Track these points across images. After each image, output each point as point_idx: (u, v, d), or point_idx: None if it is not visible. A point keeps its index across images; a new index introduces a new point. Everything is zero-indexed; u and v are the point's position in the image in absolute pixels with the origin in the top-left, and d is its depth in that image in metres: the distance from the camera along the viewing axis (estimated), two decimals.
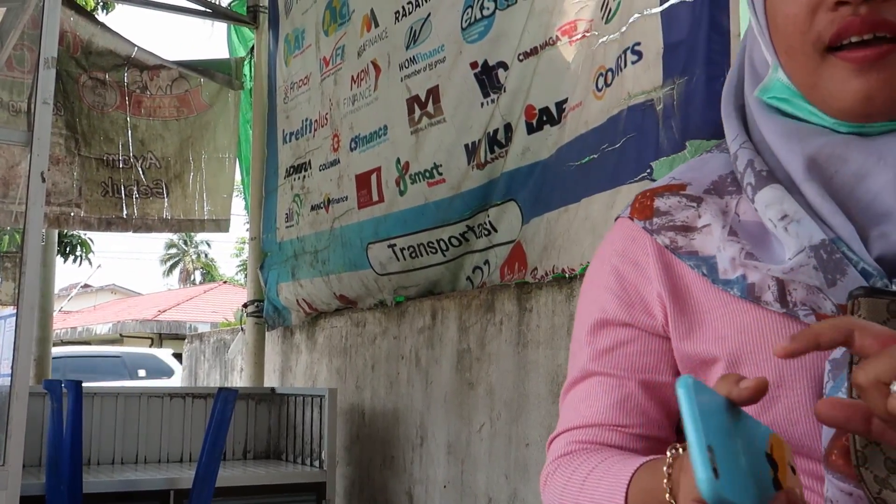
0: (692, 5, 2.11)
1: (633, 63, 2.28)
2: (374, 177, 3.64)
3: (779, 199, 0.81)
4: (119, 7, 8.71)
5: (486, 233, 3.09)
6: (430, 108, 3.29)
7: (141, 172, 4.77)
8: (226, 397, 3.24)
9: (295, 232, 4.32)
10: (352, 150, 3.80)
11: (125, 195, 4.72)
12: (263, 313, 4.67)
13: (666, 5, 2.19)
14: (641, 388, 0.90)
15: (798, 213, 0.80)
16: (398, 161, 3.47)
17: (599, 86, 2.46)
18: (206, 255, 42.80)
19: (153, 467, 3.58)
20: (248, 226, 5.00)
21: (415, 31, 3.39)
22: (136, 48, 4.74)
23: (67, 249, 12.86)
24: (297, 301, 4.30)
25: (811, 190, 0.81)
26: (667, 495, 0.70)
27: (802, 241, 0.78)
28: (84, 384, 3.20)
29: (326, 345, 4.21)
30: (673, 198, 0.91)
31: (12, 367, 2.59)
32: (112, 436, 3.64)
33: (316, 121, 4.16)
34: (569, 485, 0.88)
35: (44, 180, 2.66)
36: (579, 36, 2.63)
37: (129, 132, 4.75)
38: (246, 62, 5.02)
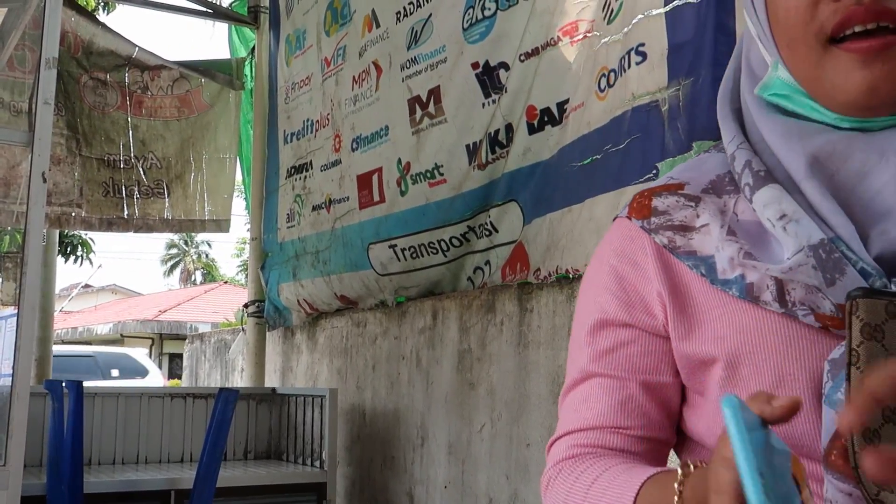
0: (697, 6, 2.11)
1: (638, 64, 2.27)
2: (375, 177, 3.64)
3: (777, 199, 0.81)
4: (120, 7, 8.72)
5: (487, 233, 3.09)
6: (431, 108, 3.29)
7: (142, 173, 4.77)
8: (227, 397, 3.24)
9: (296, 232, 4.32)
10: (353, 150, 3.80)
11: (126, 195, 4.72)
12: (264, 313, 4.67)
13: (670, 6, 2.19)
14: (642, 389, 0.90)
15: (797, 213, 0.79)
16: (399, 161, 3.47)
17: (602, 86, 2.46)
18: (206, 256, 42.81)
19: (154, 467, 3.58)
20: (248, 226, 5.00)
21: (416, 31, 3.39)
22: (137, 48, 4.74)
23: (68, 249, 12.86)
24: (298, 301, 4.30)
25: (812, 188, 0.80)
26: None
27: (801, 241, 0.78)
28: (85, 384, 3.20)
29: (327, 345, 4.21)
30: (671, 197, 0.91)
31: (13, 368, 2.59)
32: (113, 436, 3.64)
33: (317, 121, 4.16)
34: (572, 492, 0.87)
35: (45, 180, 2.66)
36: (580, 36, 2.63)
37: (130, 132, 4.75)
38: (247, 62, 5.02)
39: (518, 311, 2.88)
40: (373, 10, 3.68)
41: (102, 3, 7.77)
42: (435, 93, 3.26)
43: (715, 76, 2.02)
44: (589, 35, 2.58)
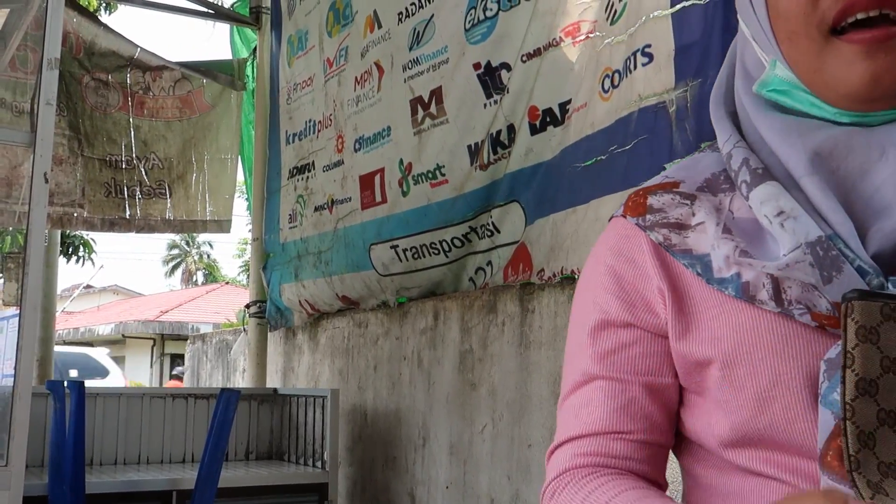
0: (704, 7, 2.10)
1: (644, 65, 2.27)
2: (377, 178, 3.64)
3: (775, 196, 0.81)
4: (122, 8, 8.72)
5: (489, 234, 3.09)
6: (432, 108, 3.29)
7: (144, 173, 4.77)
8: (228, 398, 3.24)
9: (298, 233, 4.32)
10: (356, 151, 3.80)
11: (128, 196, 4.72)
12: (266, 314, 4.67)
13: (677, 7, 2.18)
14: (645, 391, 0.89)
15: (795, 210, 0.79)
16: (401, 162, 3.47)
17: (606, 87, 2.46)
18: (208, 256, 42.82)
19: (155, 468, 3.58)
20: (250, 226, 5.00)
21: (418, 32, 3.39)
22: (138, 49, 4.74)
23: (70, 250, 12.87)
24: (300, 302, 4.30)
25: (812, 185, 0.80)
26: None
27: (798, 238, 0.78)
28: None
29: (329, 345, 4.21)
30: (666, 195, 0.90)
31: (15, 368, 2.59)
32: (114, 436, 3.64)
33: (319, 122, 4.16)
34: None
35: (47, 181, 2.66)
36: (583, 37, 2.63)
37: (132, 133, 4.76)
38: (248, 63, 5.02)
39: (519, 312, 2.88)
40: (374, 11, 3.69)
41: (104, 4, 7.78)
42: (436, 93, 3.26)
43: None
44: (591, 36, 2.58)
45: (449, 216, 3.22)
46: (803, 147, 0.81)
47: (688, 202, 0.88)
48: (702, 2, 2.12)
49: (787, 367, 0.79)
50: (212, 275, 40.60)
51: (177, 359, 21.99)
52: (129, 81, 4.73)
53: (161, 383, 21.75)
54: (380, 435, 3.72)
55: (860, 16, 0.76)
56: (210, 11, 5.03)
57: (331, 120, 4.04)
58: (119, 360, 26.41)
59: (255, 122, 4.82)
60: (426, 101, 3.32)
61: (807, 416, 0.78)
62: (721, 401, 0.83)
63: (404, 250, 3.46)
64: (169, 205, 4.84)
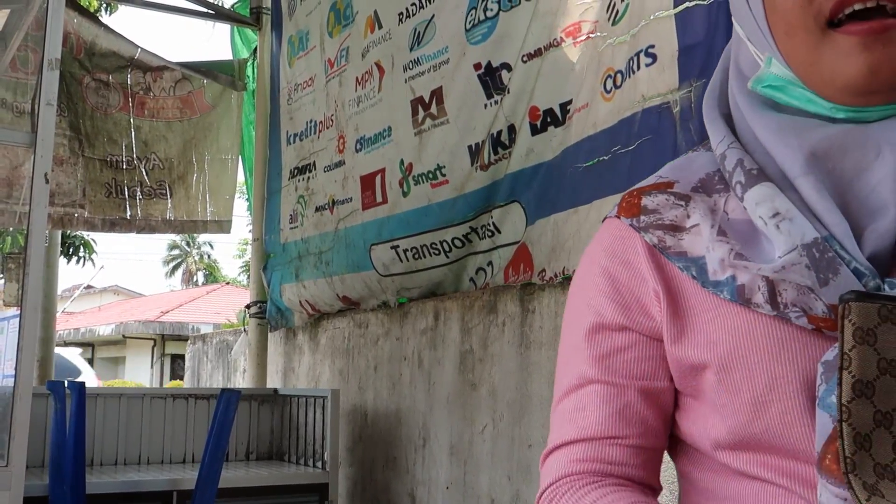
0: (708, 8, 2.10)
1: (648, 66, 2.27)
2: (378, 178, 3.64)
3: (770, 197, 0.80)
4: (122, 8, 8.73)
5: (490, 234, 3.09)
6: (433, 109, 3.29)
7: (144, 173, 4.77)
8: (228, 398, 3.24)
9: (299, 233, 4.32)
10: (357, 151, 3.81)
11: (129, 196, 4.73)
12: (266, 314, 4.67)
13: (680, 7, 2.18)
14: (640, 395, 0.88)
15: (790, 211, 0.78)
16: (402, 162, 3.48)
17: (608, 88, 2.46)
18: (208, 257, 42.83)
19: (156, 468, 3.58)
20: (250, 227, 5.00)
21: (419, 32, 3.39)
22: (139, 49, 4.74)
23: (70, 250, 12.88)
24: (300, 302, 4.30)
25: (808, 185, 0.79)
26: None
27: (794, 240, 0.77)
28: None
29: (329, 346, 4.21)
30: (660, 196, 0.89)
31: (16, 368, 2.59)
32: (115, 436, 3.64)
33: (321, 122, 4.16)
34: None
35: (47, 181, 2.66)
36: (584, 37, 2.63)
37: (133, 133, 4.76)
38: (249, 63, 5.02)
39: (520, 312, 2.88)
40: (375, 12, 3.69)
41: (105, 5, 7.78)
42: (437, 94, 3.26)
43: None
44: (592, 36, 2.58)
45: (449, 216, 3.22)
46: (799, 146, 0.80)
47: (682, 203, 0.87)
48: (705, 2, 2.12)
49: (783, 371, 0.78)
50: (212, 275, 40.61)
51: (177, 359, 22.00)
52: (129, 82, 4.73)
53: (161, 384, 21.76)
54: (380, 435, 3.72)
55: (857, 7, 0.75)
56: (210, 12, 5.04)
57: (332, 120, 4.04)
58: (119, 361, 26.46)
59: (256, 122, 4.82)
60: (427, 101, 3.32)
61: (803, 420, 0.77)
62: (717, 405, 0.83)
63: (405, 251, 3.46)
64: (169, 205, 4.84)
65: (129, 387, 12.40)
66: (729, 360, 0.81)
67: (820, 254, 0.76)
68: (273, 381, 4.71)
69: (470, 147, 3.12)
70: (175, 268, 42.52)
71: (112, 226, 4.72)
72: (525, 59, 2.87)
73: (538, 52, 2.82)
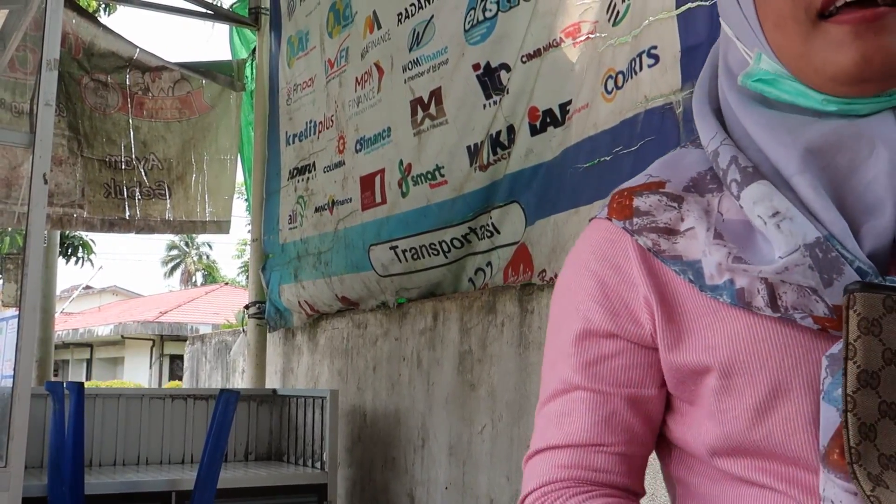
0: (710, 8, 2.10)
1: (650, 66, 2.27)
2: (377, 178, 3.64)
3: (768, 196, 0.78)
4: (121, 9, 8.72)
5: (489, 234, 3.09)
6: (432, 109, 3.29)
7: (143, 174, 4.77)
8: (227, 399, 3.24)
9: (298, 233, 4.32)
10: (357, 151, 3.81)
11: (127, 196, 4.73)
12: (265, 315, 4.67)
13: (683, 8, 2.18)
14: (627, 403, 0.87)
15: (790, 211, 0.77)
16: (401, 163, 3.48)
17: (609, 88, 2.46)
18: (207, 257, 42.83)
19: (155, 469, 3.58)
20: (249, 227, 5.00)
21: (418, 32, 3.39)
22: (137, 50, 4.74)
23: (69, 251, 12.87)
24: (299, 302, 4.30)
25: (803, 183, 0.78)
26: None
27: (797, 240, 0.76)
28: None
29: (328, 346, 4.21)
30: (653, 196, 0.87)
31: (14, 369, 2.59)
32: (114, 437, 3.64)
33: (321, 122, 4.16)
34: None
35: (46, 182, 2.66)
36: (583, 38, 2.63)
37: (132, 133, 4.76)
38: (248, 64, 5.02)
39: (519, 312, 2.88)
40: (374, 12, 3.69)
41: (103, 5, 7.78)
42: (436, 94, 3.26)
43: None
44: (592, 36, 2.58)
45: (448, 217, 3.22)
46: (793, 144, 0.79)
47: (675, 205, 0.86)
48: (707, 3, 2.12)
49: (786, 377, 0.77)
50: (211, 275, 40.61)
51: (176, 360, 22.00)
52: (128, 82, 4.73)
53: (160, 384, 21.75)
54: (379, 435, 3.72)
55: None
56: (209, 12, 5.04)
57: (332, 121, 4.04)
58: (118, 361, 26.45)
59: (255, 122, 4.82)
60: (426, 101, 3.32)
61: (807, 427, 0.76)
62: (716, 410, 0.81)
63: (404, 251, 3.46)
64: (168, 205, 4.84)
65: (127, 387, 12.39)
66: (729, 364, 0.79)
67: (823, 254, 0.75)
68: (272, 382, 4.71)
69: (469, 147, 3.12)
70: (174, 268, 42.52)
71: (111, 226, 4.71)
72: (524, 59, 2.87)
73: (537, 53, 2.82)
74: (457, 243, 3.22)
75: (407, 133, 3.42)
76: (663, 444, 0.91)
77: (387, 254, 3.55)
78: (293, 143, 4.44)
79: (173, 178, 4.85)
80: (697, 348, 0.82)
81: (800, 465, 0.77)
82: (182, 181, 4.87)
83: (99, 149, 4.67)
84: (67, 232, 10.30)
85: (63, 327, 23.58)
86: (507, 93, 2.94)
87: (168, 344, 23.38)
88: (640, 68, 2.31)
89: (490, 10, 3.01)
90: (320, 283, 4.06)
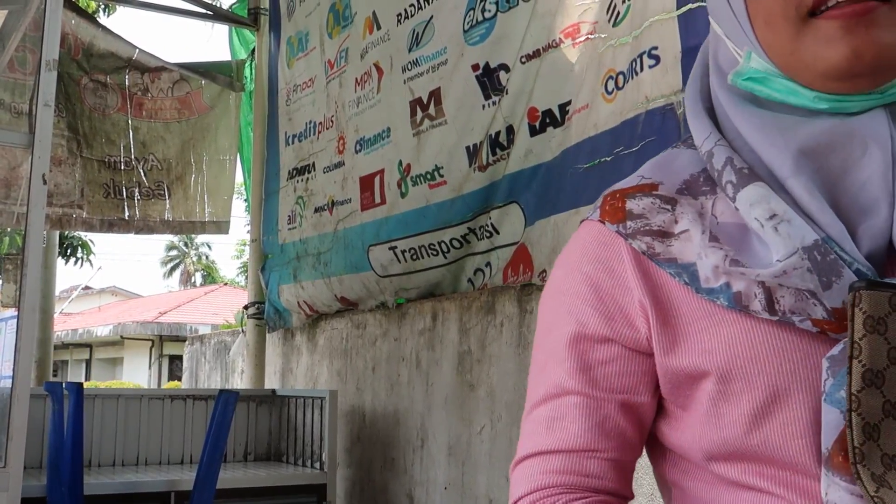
0: None
1: (651, 67, 2.28)
2: (377, 179, 3.64)
3: (765, 198, 0.77)
4: (120, 10, 8.72)
5: (488, 235, 3.09)
6: (431, 110, 3.29)
7: (142, 174, 4.77)
8: (227, 399, 3.24)
9: (297, 234, 4.32)
10: (356, 152, 3.81)
11: (127, 196, 4.73)
12: (264, 315, 4.67)
13: (683, 9, 2.19)
14: (620, 409, 0.86)
15: (788, 213, 0.76)
16: (400, 163, 3.48)
17: (609, 89, 2.46)
18: (206, 257, 42.82)
19: (154, 469, 3.58)
20: (249, 228, 5.00)
21: (417, 33, 3.39)
22: (137, 50, 4.74)
23: (68, 251, 12.86)
24: (298, 303, 4.30)
25: (798, 185, 0.77)
26: None
27: (795, 243, 0.75)
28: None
29: (327, 346, 4.21)
30: (646, 199, 0.86)
31: (13, 369, 2.59)
32: (113, 437, 3.64)
33: (320, 123, 4.16)
34: None
35: (45, 182, 2.66)
36: (583, 38, 2.63)
37: (131, 134, 4.76)
38: (247, 64, 5.02)
39: (518, 313, 2.88)
40: (373, 12, 3.69)
41: (103, 6, 7.78)
42: (435, 94, 3.27)
43: None
44: (592, 37, 2.58)
45: (447, 217, 3.22)
46: (786, 146, 0.79)
47: (669, 207, 0.84)
48: None
49: (785, 382, 0.76)
50: (210, 276, 40.60)
51: (175, 360, 21.98)
52: (127, 83, 4.73)
53: (159, 385, 21.74)
54: (378, 436, 3.72)
55: None
56: (208, 13, 5.04)
57: (332, 121, 4.05)
58: (117, 362, 26.44)
59: (254, 123, 4.82)
60: (425, 102, 3.33)
61: (806, 432, 0.75)
62: (714, 415, 0.80)
63: (403, 251, 3.46)
64: (168, 206, 4.84)
65: (126, 388, 12.38)
66: (727, 369, 0.79)
67: (822, 256, 0.74)
68: (271, 382, 4.71)
69: (468, 148, 3.12)
70: (173, 268, 42.51)
71: (110, 226, 4.71)
72: (523, 59, 2.87)
73: (537, 53, 2.82)
74: (456, 244, 3.22)
75: (406, 133, 3.42)
76: (656, 446, 0.91)
77: (386, 254, 3.55)
78: (292, 143, 4.44)
79: (172, 178, 4.85)
80: (694, 352, 0.81)
81: (798, 469, 0.76)
82: (181, 181, 4.87)
83: (98, 149, 4.67)
84: (67, 232, 10.29)
85: (62, 328, 23.56)
86: (507, 93, 2.94)
87: (167, 344, 23.37)
88: (641, 69, 2.31)
89: (489, 11, 3.01)
90: (319, 284, 4.06)
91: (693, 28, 2.16)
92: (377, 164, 3.63)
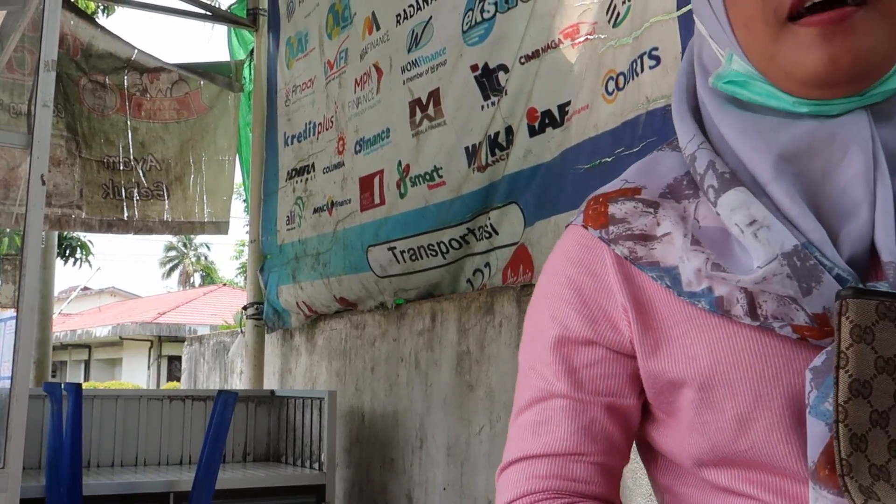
0: None
1: (651, 68, 2.28)
2: (376, 179, 3.64)
3: (745, 203, 0.77)
4: (118, 10, 8.72)
5: (487, 235, 3.09)
6: (430, 110, 3.29)
7: (141, 174, 4.77)
8: (225, 400, 3.24)
9: (296, 234, 4.32)
10: (356, 152, 3.81)
11: (126, 197, 4.72)
12: (263, 315, 4.67)
13: (683, 10, 2.19)
14: (606, 412, 0.85)
15: (767, 218, 0.75)
16: (399, 164, 3.48)
17: (610, 89, 2.46)
18: (205, 258, 42.81)
19: (153, 469, 3.58)
20: (248, 228, 5.00)
21: (416, 33, 3.39)
22: (135, 51, 4.74)
23: (67, 252, 12.86)
24: (297, 303, 4.30)
25: (779, 191, 0.77)
26: None
27: (774, 248, 0.74)
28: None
29: (326, 347, 4.21)
30: (628, 203, 0.85)
31: (12, 370, 2.59)
32: (112, 438, 3.64)
33: (320, 124, 4.16)
34: None
35: (44, 183, 2.66)
36: (582, 39, 2.63)
37: (130, 134, 4.76)
38: (245, 65, 5.02)
39: (517, 313, 2.88)
40: (373, 13, 3.69)
41: (101, 6, 7.77)
42: (434, 95, 3.27)
43: None
44: (591, 37, 2.59)
45: (447, 218, 3.22)
46: (766, 151, 0.78)
47: (651, 210, 0.84)
48: None
49: (767, 387, 0.76)
50: (209, 276, 40.59)
51: (174, 361, 21.98)
52: (126, 83, 4.73)
53: (158, 385, 21.73)
54: (377, 436, 3.71)
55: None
56: (207, 13, 5.04)
57: (332, 122, 4.05)
58: (116, 363, 26.43)
59: (253, 123, 4.82)
60: (424, 102, 3.33)
61: (789, 437, 0.75)
62: (699, 422, 0.80)
63: (402, 252, 3.46)
64: (167, 206, 4.84)
65: (125, 388, 12.39)
66: (710, 375, 0.78)
67: (801, 262, 0.73)
68: (270, 383, 4.71)
69: (467, 148, 3.12)
70: (172, 269, 42.50)
71: (109, 227, 4.71)
72: (523, 60, 2.87)
73: (536, 54, 2.82)
74: (455, 244, 3.22)
75: (406, 134, 3.42)
76: (648, 450, 0.90)
77: (385, 255, 3.55)
78: (291, 144, 4.44)
79: (171, 178, 4.85)
80: (677, 357, 0.80)
81: (786, 474, 0.76)
82: (180, 182, 4.87)
83: (97, 150, 4.67)
84: (65, 233, 10.29)
85: (61, 328, 23.55)
86: (506, 94, 2.94)
87: (166, 345, 23.37)
88: (642, 69, 2.32)
89: (488, 12, 3.01)
90: (318, 284, 4.06)
91: (693, 29, 2.16)
92: (377, 165, 3.63)
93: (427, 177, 3.32)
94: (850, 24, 0.73)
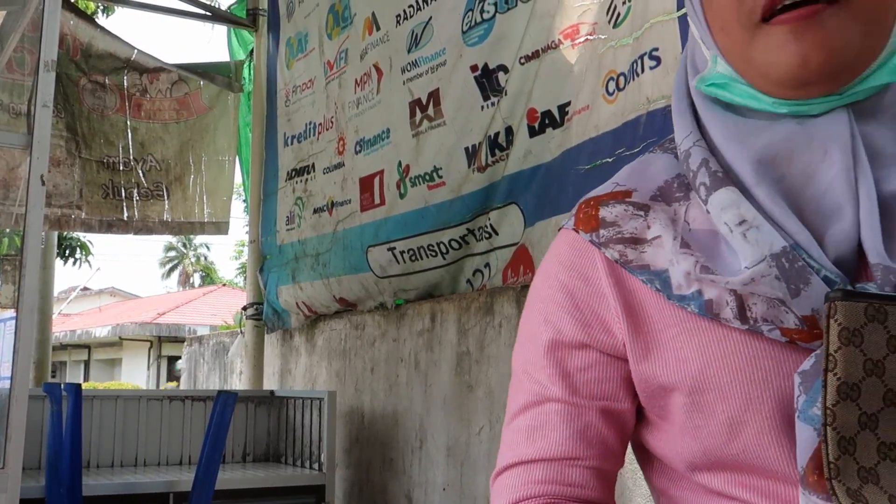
0: None
1: (652, 68, 2.28)
2: (376, 180, 3.64)
3: (735, 203, 0.77)
4: (118, 10, 8.72)
5: (487, 236, 3.09)
6: (430, 111, 3.29)
7: (141, 175, 4.77)
8: (225, 400, 3.24)
9: (296, 235, 4.32)
10: (356, 153, 3.81)
11: (126, 197, 4.72)
12: (263, 316, 4.67)
13: (683, 10, 2.19)
14: (601, 415, 0.85)
15: (757, 219, 0.75)
16: (399, 164, 3.48)
17: (610, 90, 2.46)
18: (205, 258, 42.81)
19: (152, 470, 3.58)
20: (247, 228, 5.00)
21: (416, 34, 3.39)
22: (135, 51, 4.74)
23: (67, 252, 12.86)
24: (297, 304, 4.30)
25: (762, 193, 0.76)
26: None
27: (763, 250, 0.74)
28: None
29: (326, 347, 4.21)
30: (619, 206, 0.86)
31: (12, 370, 2.59)
32: (111, 438, 3.64)
33: (320, 124, 4.16)
34: None
35: (43, 183, 2.66)
36: (582, 39, 2.63)
37: (130, 135, 4.76)
38: (245, 65, 5.02)
39: (516, 313, 2.88)
40: (373, 13, 3.69)
41: (101, 7, 7.77)
42: (434, 95, 3.27)
43: None
44: (591, 38, 2.59)
45: (446, 218, 3.22)
46: (746, 155, 0.78)
47: (641, 213, 0.84)
48: None
49: (757, 391, 0.75)
50: (209, 277, 40.59)
51: (174, 361, 21.97)
52: (126, 83, 4.73)
53: (158, 385, 21.73)
54: (377, 437, 3.71)
55: (788, 1, 0.73)
56: (206, 14, 5.04)
57: (332, 122, 4.04)
58: (116, 363, 26.43)
59: (253, 123, 4.82)
60: (424, 103, 3.33)
61: (779, 441, 0.75)
62: (691, 426, 0.80)
63: (402, 252, 3.46)
64: (167, 206, 4.84)
65: (125, 389, 12.38)
66: (701, 379, 0.78)
67: (789, 263, 0.73)
68: (270, 383, 4.70)
69: (467, 149, 3.12)
70: (172, 269, 42.50)
71: (109, 227, 4.71)
72: (522, 60, 2.87)
73: (536, 54, 2.82)
74: (455, 244, 3.22)
75: (406, 134, 3.42)
76: (644, 453, 0.90)
77: (385, 255, 3.55)
78: (291, 144, 4.44)
79: (171, 179, 4.85)
80: (668, 361, 0.80)
81: (778, 478, 0.76)
82: (180, 182, 4.87)
83: (97, 150, 4.67)
84: (65, 233, 10.29)
85: (61, 328, 23.55)
86: (506, 94, 2.94)
87: (166, 345, 23.37)
88: (642, 70, 2.32)
89: (488, 12, 3.01)
90: (318, 285, 4.06)
91: None
92: (377, 165, 3.63)
93: (427, 177, 3.32)
94: (821, 21, 0.73)
